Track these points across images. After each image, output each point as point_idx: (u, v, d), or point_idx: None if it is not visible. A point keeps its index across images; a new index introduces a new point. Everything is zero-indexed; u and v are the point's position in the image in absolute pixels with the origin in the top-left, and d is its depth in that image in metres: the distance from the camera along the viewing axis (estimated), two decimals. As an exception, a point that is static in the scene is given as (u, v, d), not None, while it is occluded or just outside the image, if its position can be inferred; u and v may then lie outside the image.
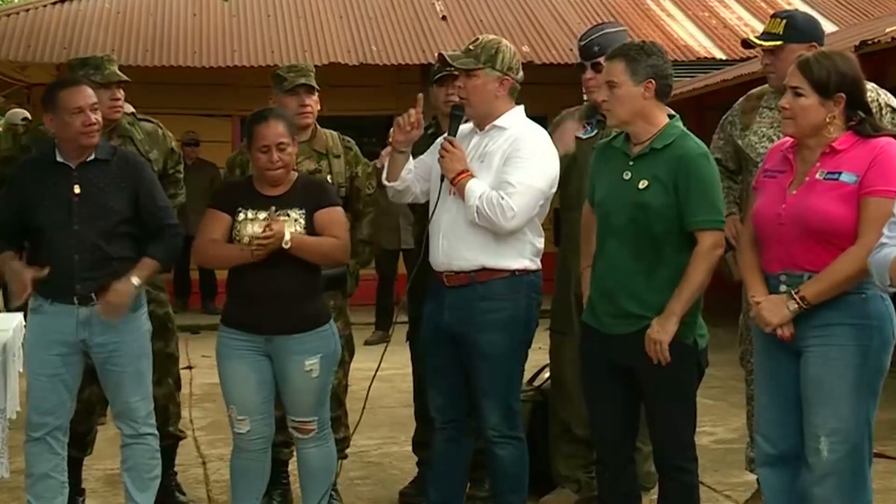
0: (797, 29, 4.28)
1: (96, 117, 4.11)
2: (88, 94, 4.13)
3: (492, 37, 4.14)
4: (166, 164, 4.90)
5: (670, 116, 3.77)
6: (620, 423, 3.83)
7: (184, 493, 5.01)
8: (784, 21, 4.27)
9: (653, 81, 3.66)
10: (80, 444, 4.65)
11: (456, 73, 4.17)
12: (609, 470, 3.89)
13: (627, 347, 3.68)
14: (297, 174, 4.27)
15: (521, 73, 4.11)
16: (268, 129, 4.08)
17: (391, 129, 4.17)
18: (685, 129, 3.79)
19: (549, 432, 4.80)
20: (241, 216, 4.07)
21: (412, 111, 4.07)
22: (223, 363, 4.16)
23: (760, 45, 4.25)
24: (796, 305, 3.40)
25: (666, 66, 3.72)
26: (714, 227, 3.64)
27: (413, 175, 4.22)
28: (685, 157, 3.65)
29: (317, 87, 4.77)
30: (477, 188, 3.93)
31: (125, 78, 4.69)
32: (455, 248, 4.01)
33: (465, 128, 4.17)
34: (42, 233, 4.11)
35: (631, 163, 3.71)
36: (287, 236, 3.97)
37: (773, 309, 3.44)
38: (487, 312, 3.97)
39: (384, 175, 4.25)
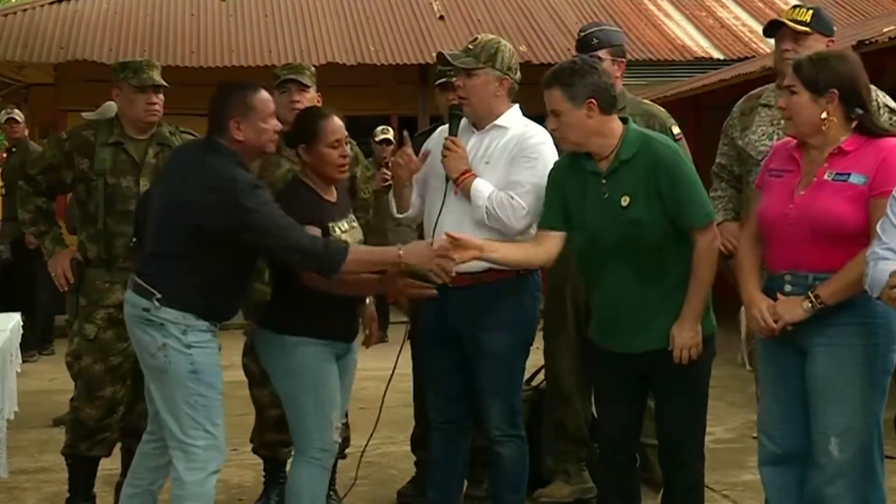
0: (823, 21, 4.34)
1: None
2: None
3: (490, 36, 4.13)
4: None
5: (623, 121, 3.70)
6: (628, 423, 3.82)
7: None
8: (811, 11, 4.33)
9: (594, 100, 3.60)
10: (100, 444, 4.57)
11: (454, 74, 4.17)
12: (612, 469, 3.88)
13: (642, 363, 3.67)
14: None
15: (518, 73, 4.11)
16: (334, 123, 3.92)
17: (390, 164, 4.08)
18: (643, 129, 3.78)
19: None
20: (337, 231, 3.91)
21: (405, 151, 4.09)
22: (324, 372, 3.91)
23: (793, 27, 4.26)
24: (810, 304, 3.38)
25: (603, 79, 3.63)
26: (707, 222, 3.64)
27: (421, 198, 4.20)
28: (661, 162, 3.61)
29: (308, 84, 4.67)
30: (484, 188, 3.91)
31: (162, 82, 4.61)
32: None
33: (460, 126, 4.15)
34: None
35: (604, 181, 3.65)
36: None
37: (788, 307, 3.43)
38: (494, 312, 3.95)
39: (393, 208, 4.21)
